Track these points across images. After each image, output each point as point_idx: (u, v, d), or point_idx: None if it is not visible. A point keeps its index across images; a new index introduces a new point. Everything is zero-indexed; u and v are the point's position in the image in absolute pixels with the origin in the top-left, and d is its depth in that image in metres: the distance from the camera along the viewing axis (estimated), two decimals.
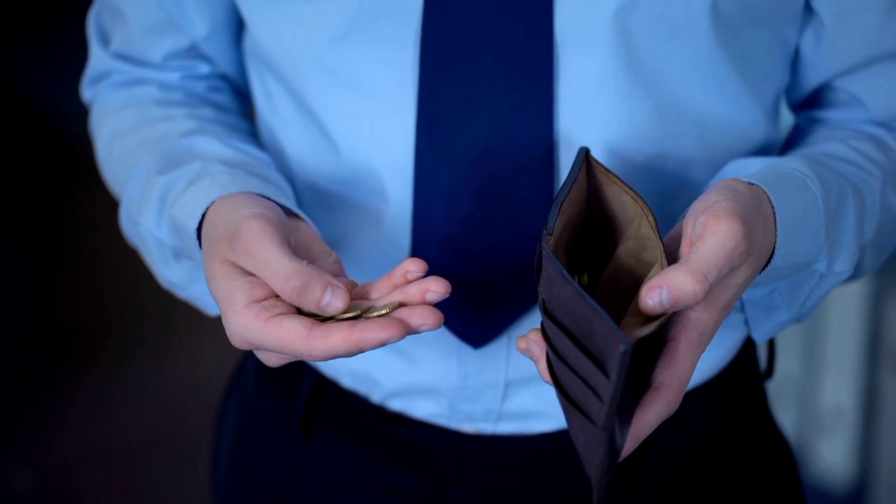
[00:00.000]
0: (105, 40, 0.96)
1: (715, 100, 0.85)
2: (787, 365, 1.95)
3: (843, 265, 0.85)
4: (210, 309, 0.92)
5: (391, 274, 0.75)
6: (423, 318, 0.71)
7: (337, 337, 0.71)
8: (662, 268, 0.73)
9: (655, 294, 0.69)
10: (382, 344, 0.71)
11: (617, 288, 0.75)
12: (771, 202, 0.78)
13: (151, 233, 0.86)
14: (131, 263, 2.58)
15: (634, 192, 0.76)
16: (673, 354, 0.72)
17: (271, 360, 0.76)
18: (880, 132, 0.91)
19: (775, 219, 0.77)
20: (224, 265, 0.74)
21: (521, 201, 0.84)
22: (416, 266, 0.74)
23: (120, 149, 0.91)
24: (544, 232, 0.74)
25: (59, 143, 2.67)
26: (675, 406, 0.72)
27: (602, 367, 0.67)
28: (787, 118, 0.97)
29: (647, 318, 0.70)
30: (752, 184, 0.78)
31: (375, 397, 0.92)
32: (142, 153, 0.89)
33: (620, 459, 0.73)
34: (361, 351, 0.71)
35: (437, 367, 0.90)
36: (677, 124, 0.85)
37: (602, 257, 0.79)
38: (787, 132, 0.96)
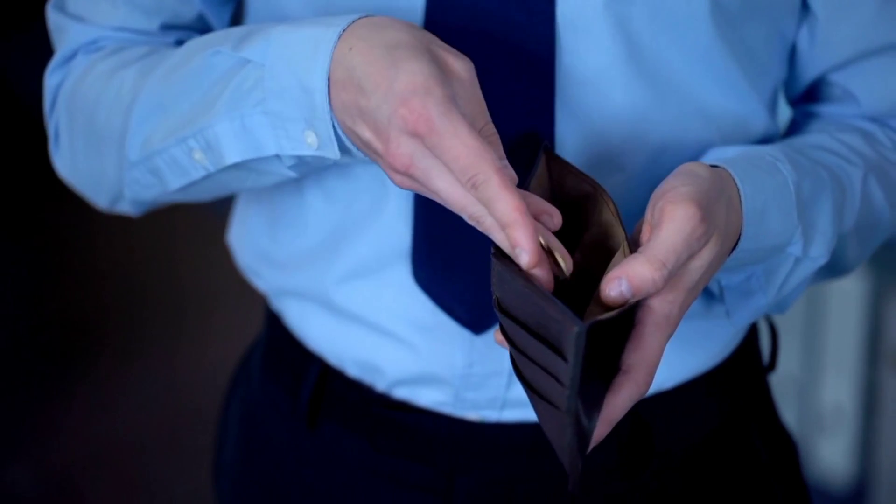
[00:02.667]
0: (77, 17, 0.92)
1: (716, 91, 0.86)
2: (787, 364, 1.95)
3: (819, 250, 0.85)
4: (231, 153, 0.83)
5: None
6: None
7: (510, 201, 0.69)
8: (625, 255, 0.74)
9: (615, 285, 0.70)
10: (518, 245, 0.69)
11: (586, 275, 0.76)
12: (736, 184, 0.78)
13: (215, 133, 0.81)
14: (133, 262, 2.61)
15: (593, 180, 0.77)
16: (639, 338, 0.73)
17: (414, 171, 0.72)
18: (871, 126, 0.92)
19: (741, 200, 0.78)
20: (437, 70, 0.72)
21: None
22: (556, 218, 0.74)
23: (136, 70, 0.87)
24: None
25: None
26: (646, 388, 0.73)
27: (560, 352, 0.68)
28: (784, 113, 0.97)
29: (610, 307, 0.71)
30: (717, 167, 0.79)
31: (380, 386, 0.92)
32: (195, 47, 0.84)
33: (595, 443, 0.74)
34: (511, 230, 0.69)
35: (441, 356, 0.90)
36: (680, 115, 0.85)
37: (571, 248, 0.80)
38: (785, 126, 0.97)
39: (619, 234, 0.75)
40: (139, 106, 0.86)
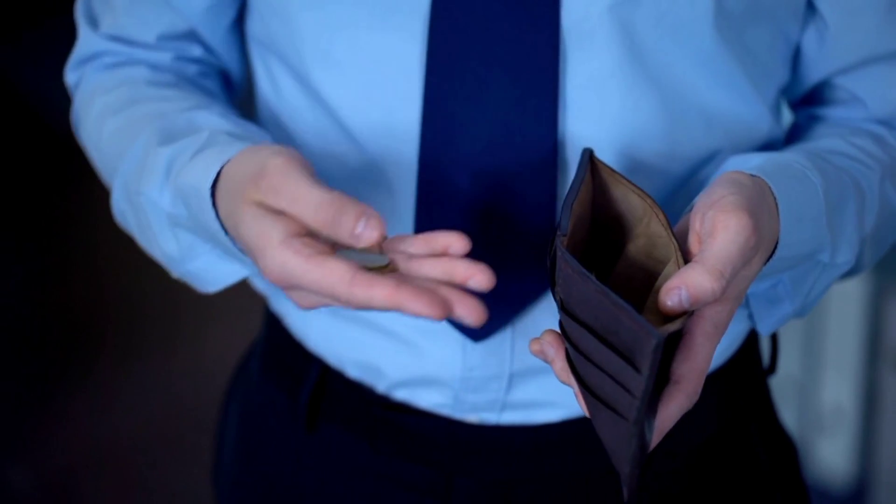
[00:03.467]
0: (94, 23, 0.95)
1: (720, 95, 0.86)
2: (787, 364, 1.95)
3: (846, 255, 0.85)
4: (208, 284, 0.90)
5: (430, 237, 0.72)
6: (469, 312, 0.69)
7: (380, 291, 0.68)
8: (678, 265, 0.73)
9: (675, 294, 0.70)
10: (418, 315, 0.68)
11: (628, 286, 0.76)
12: (773, 193, 0.78)
13: (153, 202, 0.84)
14: (132, 262, 2.59)
15: (641, 190, 0.77)
16: (690, 347, 0.73)
17: (305, 301, 0.73)
18: (880, 129, 0.92)
19: (778, 210, 0.78)
20: (251, 206, 0.72)
21: (525, 196, 0.84)
22: (460, 244, 0.72)
23: (112, 125, 0.90)
24: (558, 233, 0.74)
25: (58, 142, 2.67)
26: (695, 398, 0.73)
27: (631, 361, 0.68)
28: (785, 116, 0.97)
29: (665, 316, 0.71)
30: (755, 176, 0.78)
31: (380, 387, 0.92)
32: (140, 127, 0.87)
33: (648, 452, 0.73)
34: (398, 311, 0.68)
35: (442, 359, 0.90)
36: (684, 120, 0.85)
37: (606, 257, 0.79)
38: (786, 129, 0.96)
39: (670, 246, 0.75)
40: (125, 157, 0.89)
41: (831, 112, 0.94)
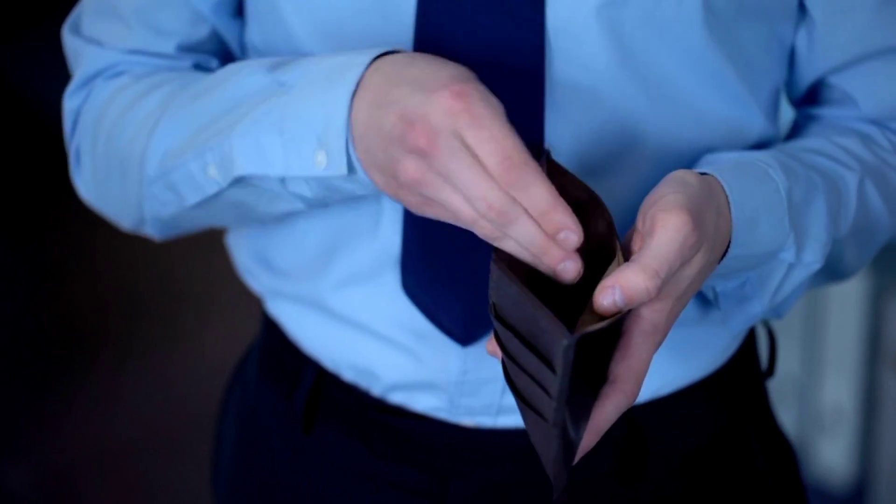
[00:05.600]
0: (96, 41, 0.92)
1: (710, 95, 0.86)
2: (786, 365, 1.96)
3: (813, 255, 0.85)
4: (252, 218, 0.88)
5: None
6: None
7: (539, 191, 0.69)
8: (619, 265, 0.73)
9: (609, 294, 0.70)
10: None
11: (582, 285, 0.76)
12: (725, 191, 0.79)
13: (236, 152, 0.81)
14: (131, 263, 2.61)
15: (590, 189, 0.78)
16: (627, 347, 0.73)
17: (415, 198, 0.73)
18: (871, 129, 0.93)
19: (730, 208, 0.78)
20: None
21: None
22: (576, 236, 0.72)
23: (159, 96, 0.88)
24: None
25: (58, 143, 2.68)
26: (633, 398, 0.73)
27: (549, 363, 0.68)
28: (787, 115, 0.97)
29: (603, 316, 0.71)
30: (706, 174, 0.79)
31: (376, 391, 0.92)
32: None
33: (583, 454, 0.74)
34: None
35: (436, 363, 0.90)
36: (674, 120, 0.86)
37: None
38: (787, 128, 0.97)
39: (614, 245, 0.75)
40: (163, 125, 0.86)
41: (826, 111, 0.95)
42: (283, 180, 0.81)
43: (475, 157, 0.71)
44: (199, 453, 1.59)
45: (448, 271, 0.86)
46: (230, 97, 0.83)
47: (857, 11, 0.88)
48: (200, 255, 2.31)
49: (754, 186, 0.81)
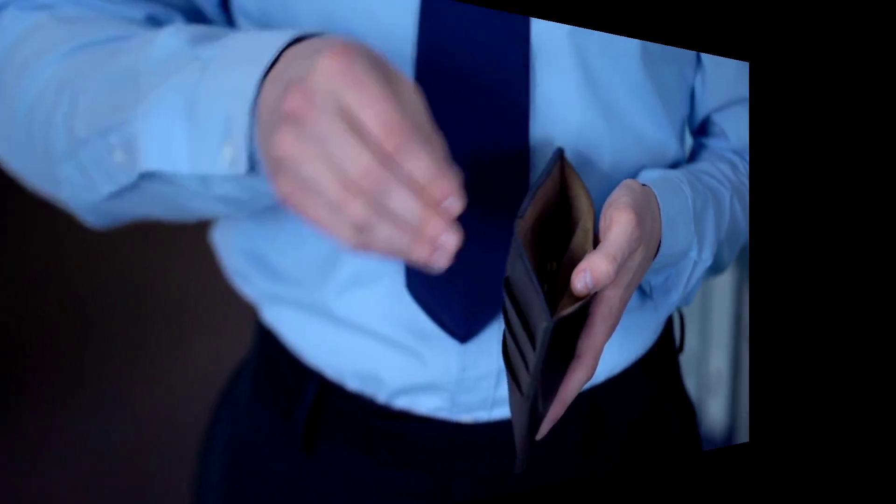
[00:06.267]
0: None
1: (646, 121, 0.92)
2: (688, 341, 2.01)
3: (708, 254, 0.91)
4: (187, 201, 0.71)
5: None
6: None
7: (420, 163, 0.59)
8: (587, 239, 0.79)
9: (581, 277, 0.72)
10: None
11: (569, 273, 0.79)
12: (657, 201, 0.83)
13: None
14: (130, 266, 2.33)
15: (587, 191, 0.81)
16: (591, 326, 0.76)
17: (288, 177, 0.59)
18: (735, 158, 1.03)
19: (660, 214, 0.83)
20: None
21: (501, 200, 0.85)
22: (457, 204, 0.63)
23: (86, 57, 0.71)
24: (517, 216, 0.76)
25: None
26: (592, 371, 0.76)
27: (533, 340, 0.69)
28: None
29: (578, 299, 0.74)
30: (645, 185, 0.84)
31: (381, 397, 0.91)
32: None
33: (551, 424, 0.76)
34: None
35: (439, 362, 0.89)
36: (623, 140, 0.91)
37: (566, 248, 0.83)
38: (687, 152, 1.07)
39: (591, 242, 0.79)
40: (74, 85, 0.71)
41: (710, 142, 1.05)
42: (203, 179, 0.69)
43: (354, 120, 0.59)
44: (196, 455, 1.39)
45: (449, 268, 0.83)
46: (145, 58, 0.68)
47: (729, 64, 0.97)
48: (177, 255, 2.05)
49: (673, 197, 0.86)
